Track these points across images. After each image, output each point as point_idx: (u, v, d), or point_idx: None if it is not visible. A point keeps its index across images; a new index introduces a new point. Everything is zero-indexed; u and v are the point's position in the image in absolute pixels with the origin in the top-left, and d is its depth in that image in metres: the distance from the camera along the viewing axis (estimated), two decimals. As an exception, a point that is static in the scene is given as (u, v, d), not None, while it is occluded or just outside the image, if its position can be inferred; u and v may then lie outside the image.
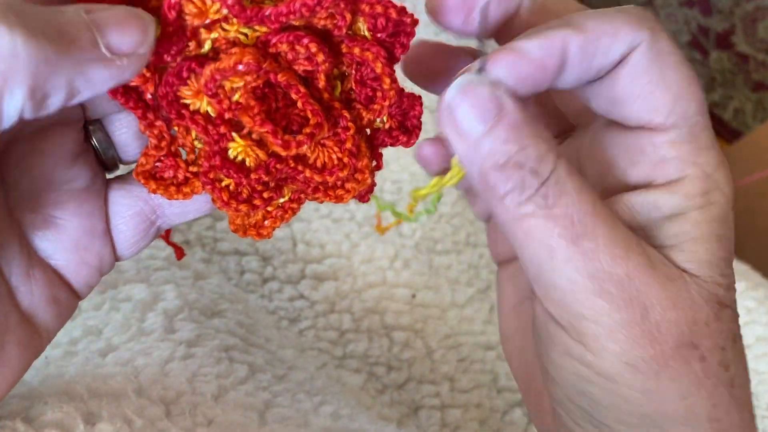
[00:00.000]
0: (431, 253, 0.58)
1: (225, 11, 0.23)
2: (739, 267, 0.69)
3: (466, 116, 0.24)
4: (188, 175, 0.26)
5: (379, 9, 0.25)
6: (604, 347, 0.24)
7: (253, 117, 0.24)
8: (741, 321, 0.59)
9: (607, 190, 0.27)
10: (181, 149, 0.27)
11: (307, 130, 0.24)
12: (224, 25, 0.24)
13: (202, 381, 0.36)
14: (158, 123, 0.25)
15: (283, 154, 0.25)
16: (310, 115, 0.24)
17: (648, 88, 0.25)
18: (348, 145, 0.25)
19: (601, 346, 0.24)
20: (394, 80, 0.26)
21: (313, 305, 0.52)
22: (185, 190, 0.26)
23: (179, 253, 0.31)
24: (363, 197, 0.28)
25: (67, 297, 0.27)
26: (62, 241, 0.26)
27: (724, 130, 1.65)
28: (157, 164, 0.26)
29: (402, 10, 0.25)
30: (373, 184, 0.28)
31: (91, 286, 0.28)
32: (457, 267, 0.58)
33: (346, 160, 0.26)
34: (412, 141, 0.28)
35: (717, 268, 0.25)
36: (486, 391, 0.52)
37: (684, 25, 1.75)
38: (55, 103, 0.20)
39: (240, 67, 0.23)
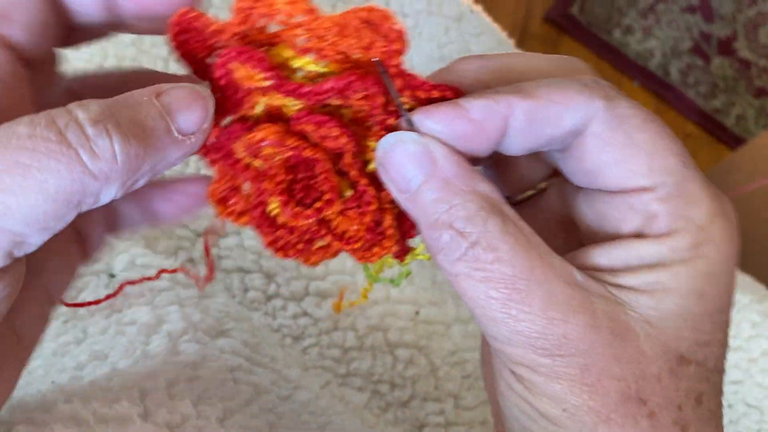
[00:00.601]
0: (434, 268, 0.58)
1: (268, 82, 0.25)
2: (743, 279, 0.69)
3: (400, 172, 0.25)
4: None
5: (435, 94, 0.26)
6: (543, 392, 0.24)
7: (274, 185, 0.26)
8: (745, 335, 0.59)
9: (600, 237, 0.26)
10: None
11: (318, 204, 0.26)
12: (272, 93, 0.25)
13: (207, 404, 0.36)
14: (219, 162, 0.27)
15: (292, 223, 0.27)
16: (326, 190, 0.26)
17: (619, 155, 0.24)
18: (366, 219, 0.27)
19: (540, 391, 0.24)
20: None
21: (316, 322, 0.52)
22: (243, 220, 0.28)
23: (210, 275, 0.32)
24: (398, 257, 0.29)
25: (46, 306, 0.28)
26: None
27: (727, 137, 1.65)
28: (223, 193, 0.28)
29: (458, 91, 0.26)
30: (405, 250, 0.28)
31: (65, 290, 0.29)
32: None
33: (361, 234, 0.27)
34: None
35: (687, 322, 0.24)
36: (491, 408, 0.52)
37: (686, 32, 1.75)
38: (140, 184, 0.23)
39: (264, 143, 0.25)
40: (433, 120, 0.25)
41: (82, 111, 0.21)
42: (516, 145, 0.25)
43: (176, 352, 0.39)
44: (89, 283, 0.44)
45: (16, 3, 0.24)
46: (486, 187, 0.24)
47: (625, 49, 1.70)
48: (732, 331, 0.60)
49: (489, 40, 0.70)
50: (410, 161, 0.24)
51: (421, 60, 0.66)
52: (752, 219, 1.23)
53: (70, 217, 0.22)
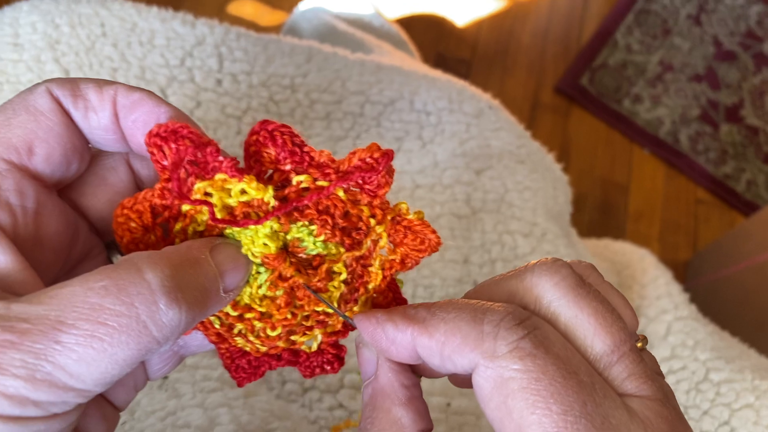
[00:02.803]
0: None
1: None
2: (761, 362, 0.70)
3: (362, 366, 0.29)
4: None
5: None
6: None
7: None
8: (766, 423, 0.60)
9: None
10: None
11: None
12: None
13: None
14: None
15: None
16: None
17: (495, 415, 0.24)
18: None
19: None
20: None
21: (351, 414, 0.55)
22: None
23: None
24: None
25: (112, 412, 0.29)
26: None
27: (738, 202, 1.67)
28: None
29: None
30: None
31: (129, 402, 0.31)
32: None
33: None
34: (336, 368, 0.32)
35: None
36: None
37: (694, 100, 1.80)
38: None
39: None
40: (362, 331, 0.28)
41: (155, 275, 0.23)
42: (434, 368, 0.27)
43: (229, 455, 0.41)
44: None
45: (39, 138, 0.25)
46: (398, 412, 0.27)
47: (635, 117, 1.74)
48: (753, 418, 0.62)
49: (507, 135, 0.74)
50: (365, 361, 0.29)
51: (444, 156, 0.70)
52: (766, 289, 1.24)
53: (129, 371, 0.23)
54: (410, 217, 0.29)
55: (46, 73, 0.64)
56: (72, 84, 0.26)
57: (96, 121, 0.27)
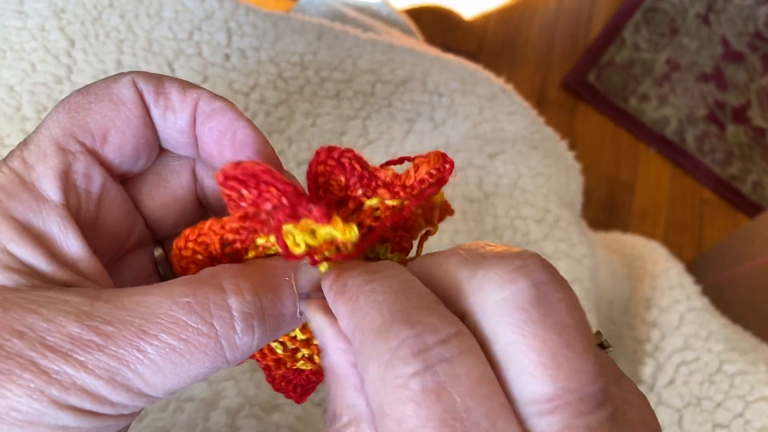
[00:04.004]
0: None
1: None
2: (774, 357, 0.69)
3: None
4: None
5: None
6: None
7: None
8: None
9: None
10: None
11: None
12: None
13: (265, 482, 0.37)
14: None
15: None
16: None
17: None
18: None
19: None
20: None
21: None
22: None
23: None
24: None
25: None
26: None
27: (744, 203, 1.66)
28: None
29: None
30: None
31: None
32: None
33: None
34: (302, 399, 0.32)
35: None
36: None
37: (701, 100, 1.79)
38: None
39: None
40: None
41: (237, 302, 0.23)
42: None
43: (235, 427, 0.40)
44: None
45: (116, 127, 0.25)
46: (353, 398, 0.23)
47: (641, 116, 1.73)
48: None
49: (521, 119, 0.72)
50: (315, 332, 0.26)
51: (457, 138, 0.69)
52: (773, 289, 1.23)
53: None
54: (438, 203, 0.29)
55: (50, 42, 0.62)
56: (157, 80, 0.26)
57: (173, 121, 0.27)
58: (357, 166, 0.26)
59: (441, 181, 0.26)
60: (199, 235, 0.26)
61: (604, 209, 1.59)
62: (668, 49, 1.85)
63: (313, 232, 0.24)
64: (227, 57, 0.68)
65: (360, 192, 0.26)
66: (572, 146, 1.65)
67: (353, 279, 0.23)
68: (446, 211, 0.29)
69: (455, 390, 0.19)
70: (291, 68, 0.69)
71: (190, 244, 0.26)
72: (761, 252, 1.28)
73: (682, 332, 0.67)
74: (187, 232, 0.26)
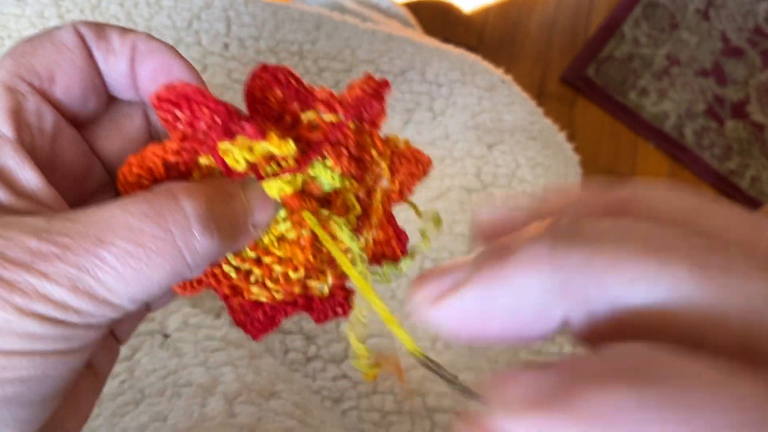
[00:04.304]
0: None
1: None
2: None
3: None
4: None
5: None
6: None
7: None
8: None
9: None
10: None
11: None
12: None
13: (262, 467, 0.37)
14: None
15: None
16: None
17: None
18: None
19: None
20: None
21: (356, 385, 0.53)
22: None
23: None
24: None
25: (115, 344, 0.30)
26: None
27: (742, 198, 1.66)
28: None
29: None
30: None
31: (130, 335, 0.31)
32: (495, 347, 0.59)
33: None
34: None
35: None
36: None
37: (700, 94, 1.78)
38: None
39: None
40: None
41: (190, 203, 0.24)
42: None
43: (232, 413, 0.40)
44: (143, 344, 0.45)
45: (62, 68, 0.26)
46: None
47: (640, 110, 1.73)
48: None
49: (520, 109, 0.72)
50: None
51: (455, 128, 0.69)
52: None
53: (161, 294, 0.24)
54: (401, 146, 0.30)
55: (49, 30, 0.62)
56: (98, 26, 0.27)
57: (115, 64, 0.27)
58: (293, 81, 0.26)
59: (377, 96, 0.27)
60: (142, 160, 0.27)
61: (603, 203, 1.59)
62: (668, 44, 1.84)
63: (251, 149, 0.26)
64: (226, 46, 0.68)
65: (296, 106, 0.27)
66: (571, 140, 1.64)
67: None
68: (419, 164, 0.29)
69: None
70: (290, 58, 0.69)
71: (134, 169, 0.27)
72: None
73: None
74: (130, 158, 0.27)
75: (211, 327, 0.47)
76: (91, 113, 0.29)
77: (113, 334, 0.30)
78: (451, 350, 0.56)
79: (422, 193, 0.66)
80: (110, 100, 0.29)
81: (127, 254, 0.22)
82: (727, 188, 1.67)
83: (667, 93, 1.77)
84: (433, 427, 0.52)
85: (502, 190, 0.66)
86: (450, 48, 0.77)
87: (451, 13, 1.72)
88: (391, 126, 0.69)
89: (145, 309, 0.31)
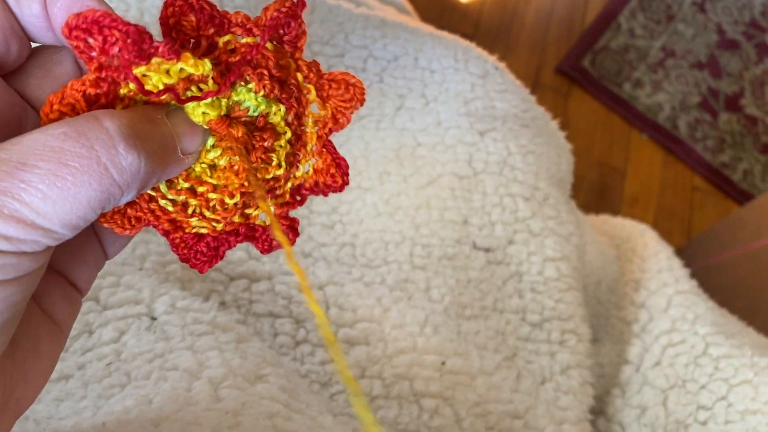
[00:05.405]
0: (460, 318, 0.59)
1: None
2: (760, 340, 0.70)
3: None
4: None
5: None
6: None
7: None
8: (764, 399, 0.59)
9: None
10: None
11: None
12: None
13: (247, 451, 0.37)
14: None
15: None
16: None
17: None
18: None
19: None
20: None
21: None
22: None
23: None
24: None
25: (75, 294, 0.30)
26: (65, 244, 0.29)
27: (734, 191, 1.67)
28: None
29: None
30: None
31: (91, 283, 0.31)
32: (484, 333, 0.59)
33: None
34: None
35: None
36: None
37: (694, 87, 1.78)
38: (144, 191, 0.26)
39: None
40: None
41: (112, 123, 0.24)
42: None
43: (218, 398, 0.39)
44: (131, 326, 0.45)
45: None
46: None
47: (634, 102, 1.73)
48: (751, 394, 0.61)
49: (513, 97, 0.72)
50: None
51: (448, 115, 0.68)
52: (759, 276, 1.23)
53: (94, 217, 0.24)
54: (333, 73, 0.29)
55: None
56: None
57: (27, 6, 0.27)
58: (206, 6, 0.26)
59: (294, 15, 0.27)
60: (63, 97, 0.26)
61: (595, 194, 1.59)
62: (663, 35, 1.84)
63: (167, 72, 0.26)
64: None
65: (212, 31, 0.27)
66: (565, 130, 1.64)
67: None
68: (351, 87, 0.29)
69: None
70: (282, 41, 0.68)
71: (56, 107, 0.26)
72: (750, 238, 1.28)
73: (670, 314, 0.68)
74: (50, 97, 0.26)
75: (199, 310, 0.46)
76: (14, 59, 0.28)
77: (73, 284, 0.29)
78: (440, 335, 0.56)
79: (414, 179, 0.65)
80: (40, 49, 0.29)
81: (52, 174, 0.22)
82: (719, 180, 1.67)
83: (662, 85, 1.77)
84: (420, 412, 0.52)
85: (493, 177, 0.66)
86: (444, 34, 0.76)
87: (448, 1, 1.71)
88: (384, 112, 0.69)
89: (103, 256, 0.30)
